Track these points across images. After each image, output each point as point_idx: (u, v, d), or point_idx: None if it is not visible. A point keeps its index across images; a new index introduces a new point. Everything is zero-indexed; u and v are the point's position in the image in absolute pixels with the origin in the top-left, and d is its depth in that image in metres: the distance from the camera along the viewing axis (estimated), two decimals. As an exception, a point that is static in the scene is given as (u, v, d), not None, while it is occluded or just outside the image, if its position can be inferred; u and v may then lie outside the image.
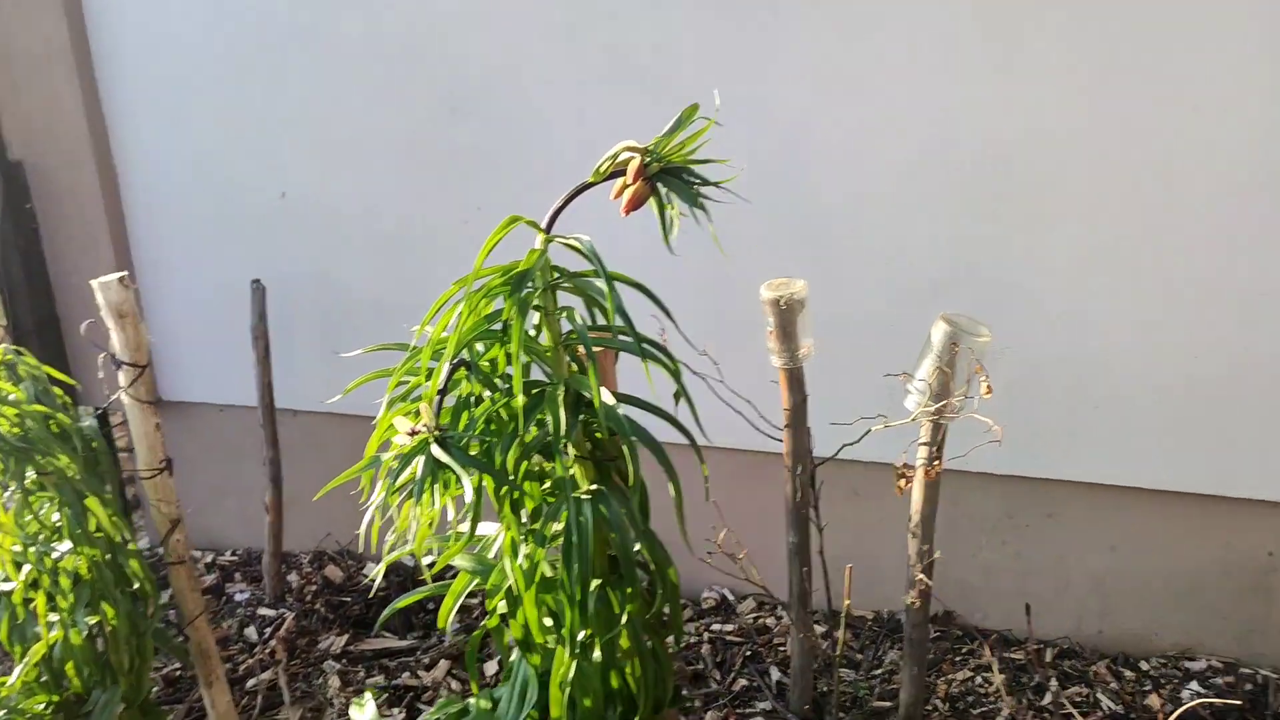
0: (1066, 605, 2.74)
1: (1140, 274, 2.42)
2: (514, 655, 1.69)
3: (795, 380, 2.24)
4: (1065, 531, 2.69)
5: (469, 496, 1.33)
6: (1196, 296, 2.40)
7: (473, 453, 1.45)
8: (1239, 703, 2.49)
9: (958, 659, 2.65)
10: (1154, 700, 2.48)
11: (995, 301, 2.49)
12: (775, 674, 2.61)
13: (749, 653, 2.69)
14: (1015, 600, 2.74)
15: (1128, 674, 2.60)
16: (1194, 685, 2.55)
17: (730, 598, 2.92)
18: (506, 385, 1.47)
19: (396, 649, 2.79)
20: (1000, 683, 2.56)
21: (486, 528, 1.69)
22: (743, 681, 2.60)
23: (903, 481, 2.04)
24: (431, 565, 1.53)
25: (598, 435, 1.58)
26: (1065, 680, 2.59)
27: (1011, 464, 2.64)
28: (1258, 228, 2.33)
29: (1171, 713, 2.46)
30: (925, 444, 2.19)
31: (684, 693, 1.93)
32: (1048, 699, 2.52)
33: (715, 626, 2.80)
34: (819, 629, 2.50)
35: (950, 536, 2.69)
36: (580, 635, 1.54)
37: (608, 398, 1.45)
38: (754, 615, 2.85)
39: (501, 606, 1.63)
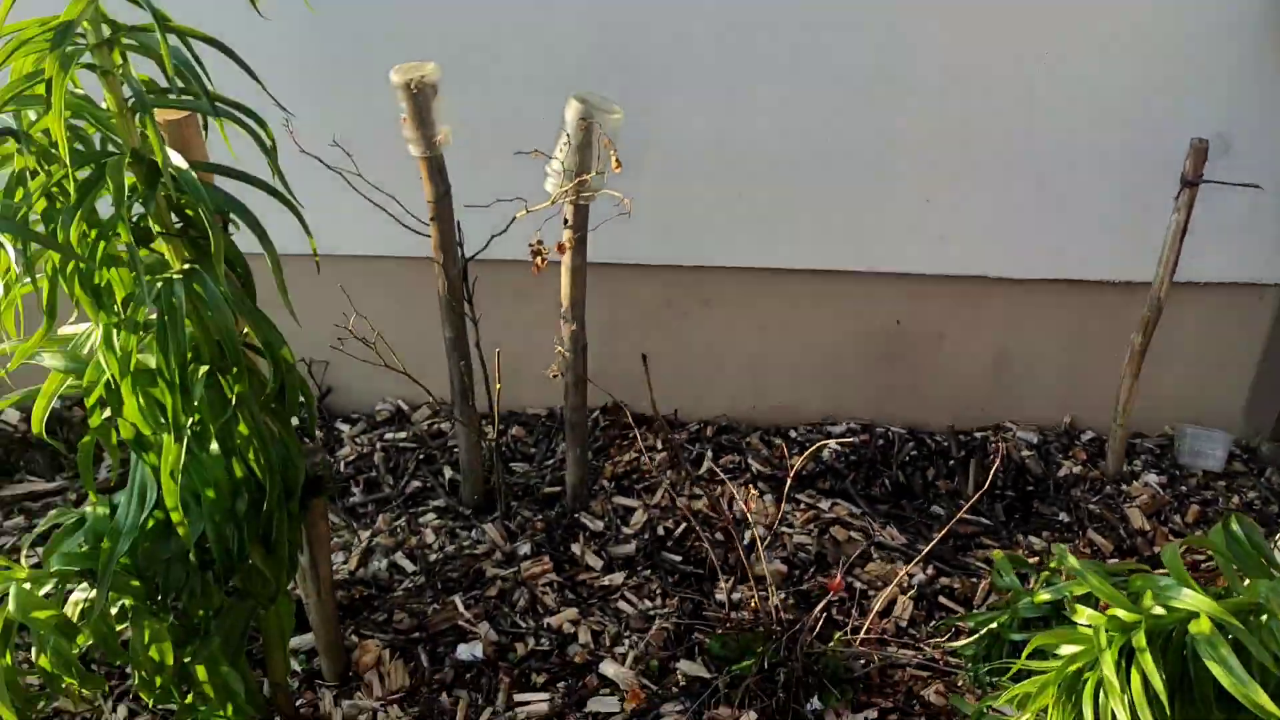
0: (723, 386, 2.90)
1: (777, 57, 2.50)
2: (132, 459, 1.59)
3: (436, 170, 2.18)
4: (721, 316, 2.83)
5: (16, 266, 1.20)
6: (831, 77, 2.51)
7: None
8: (864, 438, 2.76)
9: (624, 443, 2.77)
10: (796, 460, 2.70)
11: (643, 87, 2.50)
12: (449, 473, 2.64)
13: (422, 456, 2.70)
14: (678, 385, 2.88)
15: (777, 441, 2.81)
16: (833, 444, 2.80)
17: (405, 408, 2.89)
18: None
19: (44, 490, 2.60)
20: (661, 459, 2.70)
21: (77, 328, 1.57)
22: (416, 484, 2.61)
23: (539, 260, 2.05)
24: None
25: (188, 212, 1.47)
26: (721, 451, 2.77)
27: (668, 254, 2.73)
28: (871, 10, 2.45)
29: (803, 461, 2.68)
30: (568, 226, 2.20)
31: (325, 481, 1.90)
32: (704, 468, 2.68)
33: (389, 436, 2.78)
34: (490, 428, 2.53)
35: (614, 331, 2.77)
36: (189, 422, 1.46)
37: (180, 162, 1.35)
38: (429, 422, 2.85)
39: (105, 411, 1.53)
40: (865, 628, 2.17)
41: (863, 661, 2.11)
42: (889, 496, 2.65)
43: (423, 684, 2.05)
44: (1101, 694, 1.46)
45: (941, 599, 2.31)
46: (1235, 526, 1.61)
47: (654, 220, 2.55)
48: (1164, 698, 1.37)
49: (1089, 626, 1.53)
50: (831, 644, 2.12)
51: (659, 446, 2.76)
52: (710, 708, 2.00)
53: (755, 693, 2.01)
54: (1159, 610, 1.48)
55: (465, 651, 2.10)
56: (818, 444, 2.73)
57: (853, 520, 2.53)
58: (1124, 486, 2.68)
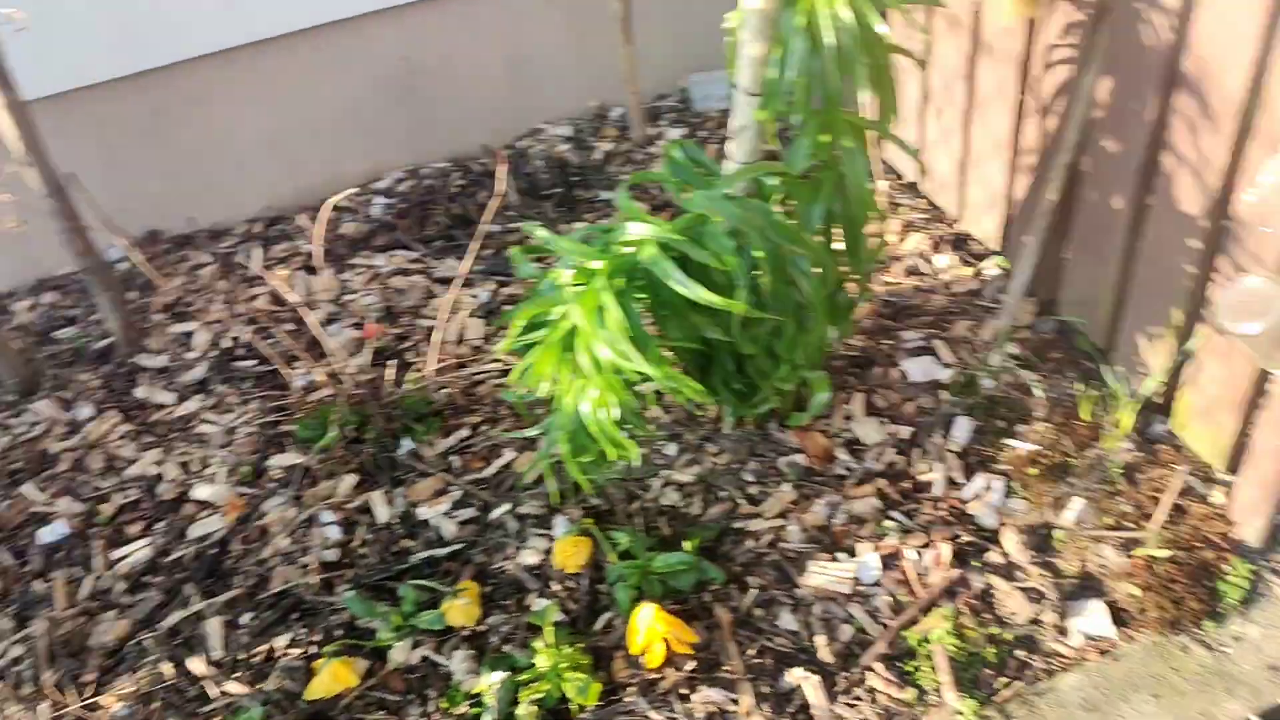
0: (256, 178, 2.78)
1: None
2: None
3: None
4: (226, 107, 2.66)
5: None
6: None
7: None
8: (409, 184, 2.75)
9: (168, 269, 2.63)
10: (347, 228, 2.68)
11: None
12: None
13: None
14: (208, 191, 2.73)
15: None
16: (381, 200, 2.77)
17: (-80, 317, 2.59)
18: None
19: None
20: (211, 272, 2.60)
21: None
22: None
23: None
24: None
25: None
26: (272, 243, 2.69)
27: (129, 63, 2.51)
28: None
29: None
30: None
31: None
32: (258, 265, 2.60)
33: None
34: None
35: (108, 157, 2.56)
36: None
37: None
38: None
39: None
40: (436, 360, 2.23)
41: (443, 390, 2.19)
42: (445, 232, 2.68)
43: (14, 583, 1.96)
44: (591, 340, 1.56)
45: (506, 308, 2.40)
46: (676, 153, 1.73)
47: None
48: (629, 330, 1.50)
49: (569, 285, 1.62)
50: (406, 386, 2.19)
51: (211, 260, 2.64)
52: (308, 487, 2.03)
53: (346, 458, 2.06)
54: (623, 250, 1.59)
55: (48, 534, 2.01)
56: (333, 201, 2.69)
57: (412, 265, 2.55)
58: (651, 149, 2.83)
